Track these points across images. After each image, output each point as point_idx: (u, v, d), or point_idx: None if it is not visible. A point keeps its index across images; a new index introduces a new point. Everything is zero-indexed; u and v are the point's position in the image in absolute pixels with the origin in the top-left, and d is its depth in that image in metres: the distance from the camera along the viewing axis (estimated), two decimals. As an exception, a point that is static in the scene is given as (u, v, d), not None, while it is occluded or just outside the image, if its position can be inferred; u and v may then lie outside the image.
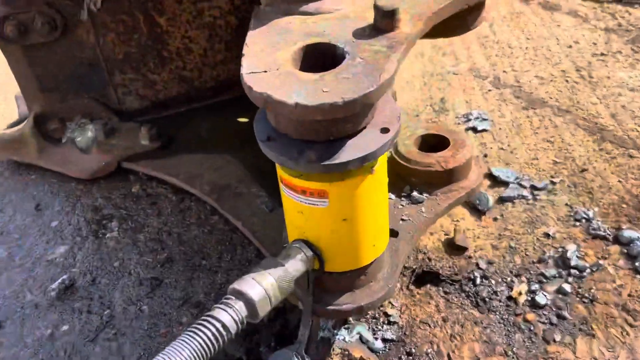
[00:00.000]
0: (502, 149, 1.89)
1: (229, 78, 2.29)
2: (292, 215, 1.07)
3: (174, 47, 2.15)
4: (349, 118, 0.91)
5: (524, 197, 1.69)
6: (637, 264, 1.44)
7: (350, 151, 0.93)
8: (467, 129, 1.99)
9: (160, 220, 1.88)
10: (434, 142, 1.48)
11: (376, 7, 0.96)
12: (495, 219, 1.64)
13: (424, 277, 1.50)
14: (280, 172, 1.04)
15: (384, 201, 1.07)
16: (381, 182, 1.04)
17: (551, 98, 2.08)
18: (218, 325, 0.90)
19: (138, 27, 2.06)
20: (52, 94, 2.10)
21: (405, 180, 1.41)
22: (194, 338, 0.88)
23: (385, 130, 0.97)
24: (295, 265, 1.02)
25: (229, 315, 0.91)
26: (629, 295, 1.39)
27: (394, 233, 1.27)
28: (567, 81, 2.15)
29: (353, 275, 1.11)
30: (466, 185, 1.40)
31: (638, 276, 1.43)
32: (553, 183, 1.73)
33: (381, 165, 1.01)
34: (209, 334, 0.89)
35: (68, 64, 2.06)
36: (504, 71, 2.27)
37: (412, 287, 1.49)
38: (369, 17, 1.03)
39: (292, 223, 1.08)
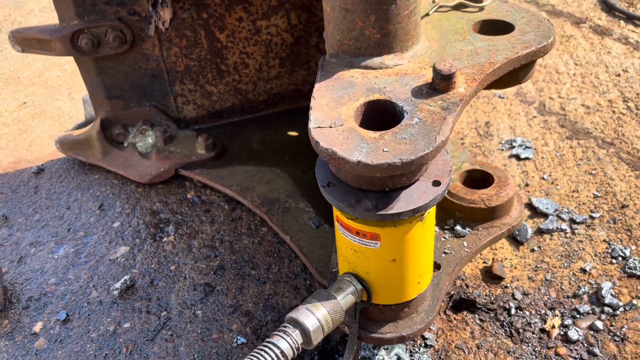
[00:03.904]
0: (543, 178, 1.95)
1: (281, 92, 2.40)
2: (344, 250, 1.17)
3: (231, 62, 2.27)
4: (405, 174, 1.01)
5: (562, 230, 1.75)
6: (669, 306, 1.50)
7: (404, 203, 1.02)
8: (510, 156, 2.05)
9: (214, 228, 2.01)
10: (478, 177, 1.56)
11: (435, 70, 1.05)
12: (532, 250, 1.71)
13: (461, 304, 1.59)
14: (336, 212, 1.14)
15: (430, 243, 1.16)
16: (429, 227, 1.13)
17: (596, 129, 2.12)
18: (277, 351, 1.01)
19: (199, 42, 2.19)
20: (117, 101, 2.25)
21: (449, 213, 1.49)
22: (256, 362, 0.99)
23: (436, 184, 1.06)
24: (346, 298, 1.12)
25: (287, 343, 1.03)
26: (660, 336, 1.45)
27: (436, 266, 1.36)
28: (613, 112, 2.18)
29: (397, 307, 1.21)
30: (507, 222, 1.48)
31: (670, 318, 1.48)
32: (592, 218, 1.78)
33: (431, 213, 1.10)
34: (269, 359, 1.00)
35: (133, 74, 2.21)
36: (550, 97, 2.31)
37: (449, 312, 1.58)
38: (427, 75, 1.11)
39: (344, 257, 1.19)
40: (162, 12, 2.05)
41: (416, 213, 1.02)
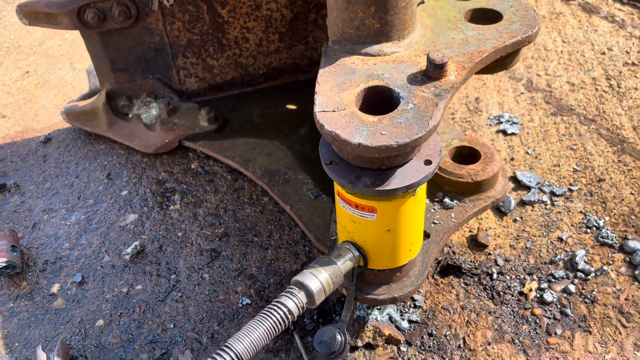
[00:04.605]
0: (527, 153, 2.08)
1: (280, 66, 2.49)
2: (344, 221, 1.30)
3: (232, 36, 2.35)
4: (400, 154, 1.13)
5: (543, 201, 1.89)
6: (636, 272, 1.65)
7: (399, 180, 1.14)
8: (497, 131, 2.17)
9: (217, 197, 2.13)
10: (466, 152, 1.68)
11: (429, 59, 1.16)
12: (515, 220, 1.85)
13: (448, 269, 1.73)
14: (337, 187, 1.26)
15: (421, 215, 1.29)
16: (420, 200, 1.25)
17: (579, 106, 2.24)
18: (285, 309, 1.15)
19: (202, 16, 2.26)
20: (122, 73, 2.33)
21: (439, 187, 1.62)
22: (266, 319, 1.13)
23: (428, 162, 1.18)
24: (345, 264, 1.26)
25: (293, 302, 1.16)
26: (626, 299, 1.60)
27: (426, 235, 1.50)
28: (596, 89, 2.30)
29: (390, 272, 1.34)
30: (492, 195, 1.61)
31: (636, 283, 1.63)
32: (571, 190, 1.92)
33: (422, 188, 1.23)
34: (278, 316, 1.14)
35: (137, 48, 2.28)
36: (538, 74, 2.42)
37: (436, 276, 1.72)
38: (421, 62, 1.22)
39: (343, 227, 1.32)
40: (166, -12, 2.12)
41: (409, 189, 1.15)
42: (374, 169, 1.16)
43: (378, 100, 1.18)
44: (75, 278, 1.90)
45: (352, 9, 1.21)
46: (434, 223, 1.55)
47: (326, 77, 1.20)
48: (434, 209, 1.59)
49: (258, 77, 2.51)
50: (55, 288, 1.88)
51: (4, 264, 1.88)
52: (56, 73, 2.95)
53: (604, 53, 2.47)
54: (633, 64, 2.39)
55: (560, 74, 2.40)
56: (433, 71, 1.16)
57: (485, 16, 1.40)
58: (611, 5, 2.72)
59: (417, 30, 1.30)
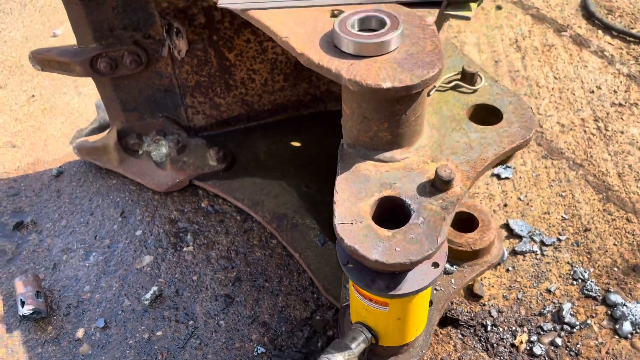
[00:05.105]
0: (520, 199, 2.22)
1: (284, 102, 2.59)
2: (358, 307, 1.44)
3: (239, 77, 2.44)
4: (411, 264, 1.26)
5: (533, 251, 2.04)
6: (617, 326, 1.82)
7: (409, 284, 1.28)
8: (492, 175, 2.31)
9: (228, 239, 2.25)
10: (465, 217, 1.82)
11: (437, 174, 1.28)
12: (507, 270, 2.01)
13: (447, 320, 1.89)
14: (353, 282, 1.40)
15: (426, 304, 1.44)
16: (426, 293, 1.40)
17: (568, 149, 2.37)
18: (308, 396, 1.30)
19: (209, 60, 2.35)
20: (132, 113, 2.42)
21: (440, 252, 1.76)
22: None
23: (436, 265, 1.32)
24: (358, 346, 1.40)
25: (314, 389, 1.31)
26: (607, 352, 1.77)
27: (429, 303, 1.65)
28: (584, 131, 2.43)
29: (399, 347, 1.50)
30: (488, 259, 1.76)
31: (616, 337, 1.81)
32: (559, 240, 2.07)
33: (428, 281, 1.37)
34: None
35: (147, 90, 2.37)
36: (530, 113, 2.54)
37: (436, 327, 1.88)
38: (429, 170, 1.34)
39: (357, 311, 1.46)
40: (177, 41, 2.19)
41: (419, 292, 1.29)
42: (387, 273, 1.30)
43: (391, 207, 1.31)
44: (98, 323, 2.04)
45: (367, 123, 1.32)
46: (436, 289, 1.70)
47: (343, 185, 1.32)
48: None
49: (263, 112, 2.61)
50: (80, 333, 2.01)
51: (31, 311, 2.01)
52: (62, 98, 3.01)
53: (592, 92, 2.60)
54: (620, 104, 2.52)
55: (551, 114, 2.52)
56: (441, 185, 1.28)
57: (486, 111, 1.51)
58: (601, 39, 2.83)
59: (425, 133, 1.42)
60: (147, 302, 2.07)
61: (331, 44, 1.32)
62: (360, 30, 1.33)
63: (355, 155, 1.38)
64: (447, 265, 1.75)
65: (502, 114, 1.48)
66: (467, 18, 1.43)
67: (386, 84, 1.20)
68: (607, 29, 2.87)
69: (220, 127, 2.59)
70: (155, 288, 2.10)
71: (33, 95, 3.05)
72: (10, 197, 2.50)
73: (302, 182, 2.35)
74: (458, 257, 1.74)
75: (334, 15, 1.42)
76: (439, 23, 1.47)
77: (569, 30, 2.90)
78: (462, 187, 1.31)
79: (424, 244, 1.21)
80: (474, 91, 1.54)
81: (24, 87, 3.10)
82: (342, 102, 1.37)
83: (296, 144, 2.54)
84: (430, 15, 1.40)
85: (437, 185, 1.30)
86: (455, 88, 1.55)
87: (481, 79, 1.55)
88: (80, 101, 2.98)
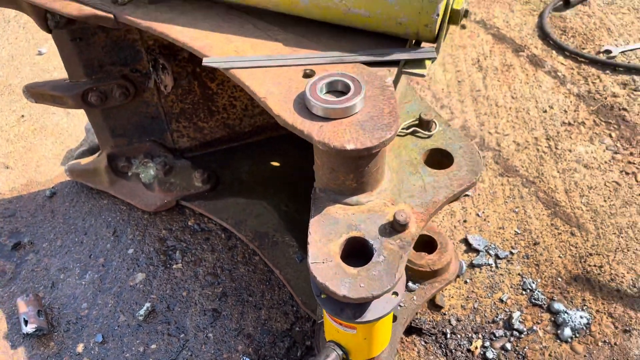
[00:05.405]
0: (478, 215, 2.46)
1: (264, 124, 2.79)
2: (330, 328, 1.66)
3: (221, 104, 2.63)
4: (374, 295, 1.49)
5: (489, 264, 2.29)
6: (559, 331, 2.08)
7: (373, 312, 1.51)
8: (453, 192, 2.54)
9: (214, 256, 2.46)
10: (425, 240, 2.05)
11: (395, 219, 1.50)
12: (466, 282, 2.25)
13: (412, 329, 2.13)
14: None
15: (389, 324, 1.67)
16: (389, 317, 1.63)
17: (522, 167, 2.61)
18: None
19: (193, 89, 2.53)
20: (121, 138, 2.60)
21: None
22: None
23: (395, 294, 1.54)
24: (332, 363, 1.63)
25: (294, 401, 1.54)
26: (549, 355, 2.03)
27: (394, 318, 1.88)
28: (537, 150, 2.67)
29: None
30: (446, 277, 2.00)
31: (558, 341, 2.07)
32: (512, 253, 2.32)
33: (390, 306, 1.60)
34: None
35: (135, 117, 2.54)
36: (489, 132, 2.78)
37: (402, 335, 2.12)
38: (389, 212, 1.56)
39: (329, 331, 1.69)
40: (163, 76, 2.37)
41: (381, 318, 1.52)
42: (354, 304, 1.52)
43: (357, 245, 1.53)
44: (97, 338, 2.24)
45: (335, 174, 1.54)
46: (400, 306, 1.93)
47: (316, 227, 1.54)
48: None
49: (244, 134, 2.80)
50: (80, 348, 2.21)
51: (34, 329, 2.20)
52: (51, 118, 3.16)
53: (545, 111, 2.84)
54: (569, 123, 2.77)
55: (508, 133, 2.76)
56: (398, 227, 1.51)
57: (441, 153, 1.73)
58: (555, 59, 3.07)
59: (386, 176, 1.64)
60: (141, 318, 2.28)
61: (303, 105, 1.52)
62: (328, 92, 1.54)
63: (326, 199, 1.59)
64: (410, 284, 1.98)
65: (453, 158, 1.70)
66: (422, 75, 1.64)
67: (350, 146, 1.41)
68: (561, 49, 3.10)
69: (204, 148, 2.78)
70: (148, 304, 2.30)
71: (23, 116, 3.19)
72: (7, 219, 2.67)
73: (281, 202, 2.56)
74: (420, 276, 1.97)
75: (306, 75, 1.62)
76: (398, 79, 1.68)
77: (526, 51, 3.13)
78: (417, 228, 1.53)
79: (384, 281, 1.43)
80: (430, 136, 1.76)
81: (13, 107, 3.24)
82: (314, 153, 1.58)
83: (275, 163, 2.75)
84: (389, 74, 1.61)
85: (395, 227, 1.52)
86: (413, 133, 1.77)
87: (436, 125, 1.77)
88: (69, 121, 3.14)
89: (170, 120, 2.61)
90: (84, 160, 2.73)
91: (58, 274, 2.45)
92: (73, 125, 3.11)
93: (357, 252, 1.52)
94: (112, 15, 1.90)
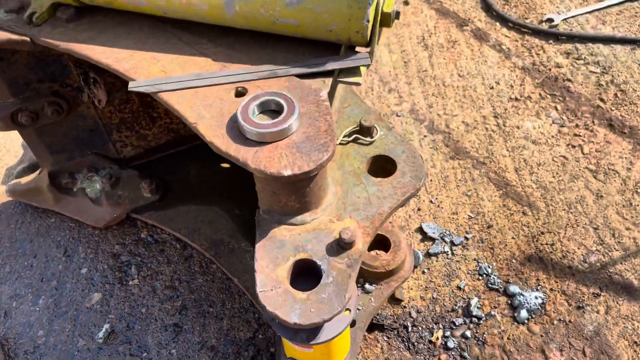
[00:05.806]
0: (431, 202, 2.47)
1: (210, 126, 2.70)
2: (289, 347, 1.66)
3: (162, 109, 2.54)
4: (326, 317, 1.48)
5: (445, 252, 2.30)
6: (515, 314, 2.12)
7: (327, 332, 1.50)
8: (406, 180, 2.53)
9: (171, 268, 2.41)
10: (379, 239, 2.04)
11: (341, 237, 1.48)
12: (423, 272, 2.27)
13: (374, 326, 2.15)
14: (281, 328, 1.61)
15: (346, 340, 1.67)
16: (345, 333, 1.62)
17: (472, 147, 2.62)
18: None
19: (131, 99, 2.43)
20: (60, 154, 2.50)
21: (360, 275, 1.99)
22: None
23: (348, 310, 1.54)
24: (292, 380, 1.63)
25: None
26: (508, 338, 2.08)
27: (352, 323, 1.89)
28: (486, 129, 2.68)
29: (327, 371, 1.74)
30: (402, 275, 2.00)
31: (515, 323, 2.11)
32: (467, 238, 2.34)
33: (345, 322, 1.60)
34: None
35: (72, 132, 2.44)
36: (438, 114, 2.76)
37: (364, 333, 2.14)
38: (335, 229, 1.54)
39: (288, 348, 1.68)
40: (96, 91, 2.26)
41: (335, 337, 1.51)
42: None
43: (306, 267, 1.51)
44: (57, 366, 2.19)
45: (277, 197, 1.50)
46: (358, 309, 1.94)
47: (262, 252, 1.51)
48: (358, 294, 1.97)
49: (189, 137, 2.72)
50: (40, 378, 2.17)
51: (-10, 364, 2.14)
52: (-14, 134, 3.01)
53: (492, 87, 2.83)
54: (516, 99, 2.77)
55: (457, 113, 2.75)
56: (345, 245, 1.49)
57: (384, 159, 1.71)
58: (499, 31, 3.04)
59: (330, 191, 1.61)
60: (100, 340, 2.23)
61: (237, 129, 1.47)
62: (261, 112, 1.49)
63: (271, 221, 1.56)
64: (367, 285, 1.98)
65: (396, 165, 1.67)
66: (358, 84, 1.60)
67: (287, 172, 1.37)
68: (504, 20, 3.08)
69: (151, 155, 2.70)
70: (107, 325, 2.26)
71: (-45, 134, 3.03)
72: (-50, 248, 2.56)
73: (234, 206, 2.51)
74: (375, 277, 1.97)
75: (238, 94, 1.56)
76: (333, 90, 1.63)
77: (470, 24, 3.10)
78: (364, 244, 1.51)
79: (334, 303, 1.42)
80: (371, 142, 1.73)
81: (-56, 125, 3.07)
82: (254, 178, 1.54)
83: (225, 165, 2.69)
84: (324, 86, 1.56)
85: (342, 245, 1.50)
86: (355, 140, 1.74)
87: (377, 130, 1.74)
88: (4, 137, 3.00)
89: (111, 131, 2.51)
90: (25, 179, 2.62)
91: (10, 302, 2.37)
92: (10, 141, 2.98)
93: (306, 271, 1.50)
94: (28, 39, 1.80)
